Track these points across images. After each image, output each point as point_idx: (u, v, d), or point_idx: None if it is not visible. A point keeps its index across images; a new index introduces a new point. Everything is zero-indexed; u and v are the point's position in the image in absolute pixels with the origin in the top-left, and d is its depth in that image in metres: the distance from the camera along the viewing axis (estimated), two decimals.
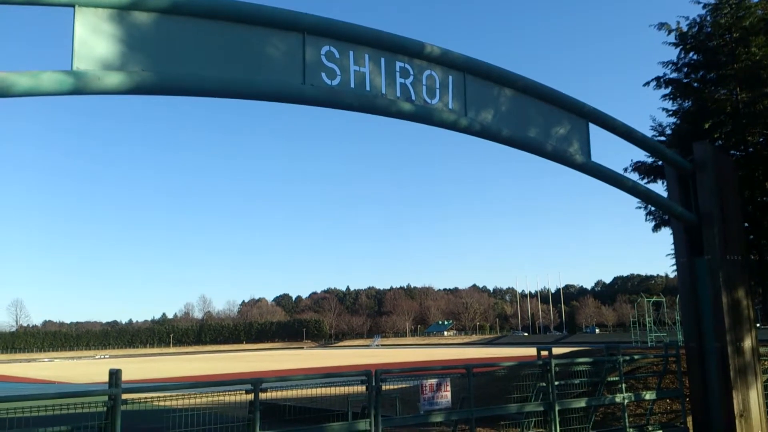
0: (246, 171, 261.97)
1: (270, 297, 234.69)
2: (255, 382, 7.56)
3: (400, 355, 75.46)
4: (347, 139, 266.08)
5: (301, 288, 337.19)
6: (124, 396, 6.65)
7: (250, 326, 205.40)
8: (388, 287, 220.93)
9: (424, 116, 9.86)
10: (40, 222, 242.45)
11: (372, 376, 8.46)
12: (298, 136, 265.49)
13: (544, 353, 11.01)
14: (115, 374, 6.61)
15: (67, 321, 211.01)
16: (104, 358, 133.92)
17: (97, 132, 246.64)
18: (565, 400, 10.74)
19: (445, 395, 9.17)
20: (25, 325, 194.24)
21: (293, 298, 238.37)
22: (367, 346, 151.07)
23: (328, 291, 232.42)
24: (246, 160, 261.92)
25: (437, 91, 10.05)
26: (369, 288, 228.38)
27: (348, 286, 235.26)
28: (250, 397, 7.60)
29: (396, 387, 10.94)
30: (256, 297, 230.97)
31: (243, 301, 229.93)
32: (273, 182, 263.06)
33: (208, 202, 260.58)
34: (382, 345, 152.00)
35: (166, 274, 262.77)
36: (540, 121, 11.78)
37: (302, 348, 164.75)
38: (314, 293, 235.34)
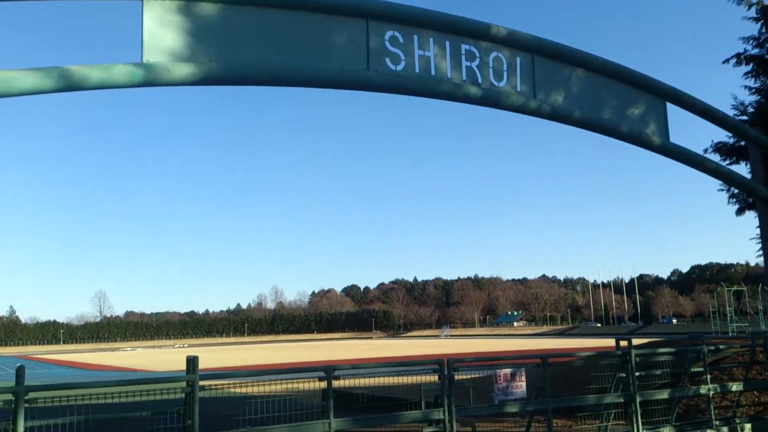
0: (310, 164, 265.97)
1: (339, 288, 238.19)
2: (328, 369, 7.57)
3: (470, 345, 74.95)
4: (411, 127, 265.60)
5: (369, 279, 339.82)
6: (202, 383, 6.79)
7: (320, 316, 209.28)
8: (456, 278, 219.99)
9: (491, 100, 9.61)
10: (122, 217, 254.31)
11: (444, 365, 8.34)
12: (358, 126, 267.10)
13: (623, 343, 10.57)
14: (192, 361, 6.76)
15: (148, 312, 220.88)
16: (183, 347, 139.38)
17: (174, 126, 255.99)
18: (647, 391, 10.29)
19: (520, 385, 8.94)
20: (108, 315, 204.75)
21: (361, 289, 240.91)
22: (436, 336, 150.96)
23: (395, 282, 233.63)
24: (310, 153, 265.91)
25: (504, 73, 9.77)
26: (436, 279, 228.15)
27: (415, 277, 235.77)
28: (323, 384, 7.63)
29: (468, 377, 10.78)
30: (326, 288, 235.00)
31: (313, 292, 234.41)
32: (339, 176, 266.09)
33: (277, 196, 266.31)
34: (450, 335, 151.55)
35: (239, 266, 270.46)
36: (614, 101, 11.30)
37: (371, 338, 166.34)
38: (382, 284, 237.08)
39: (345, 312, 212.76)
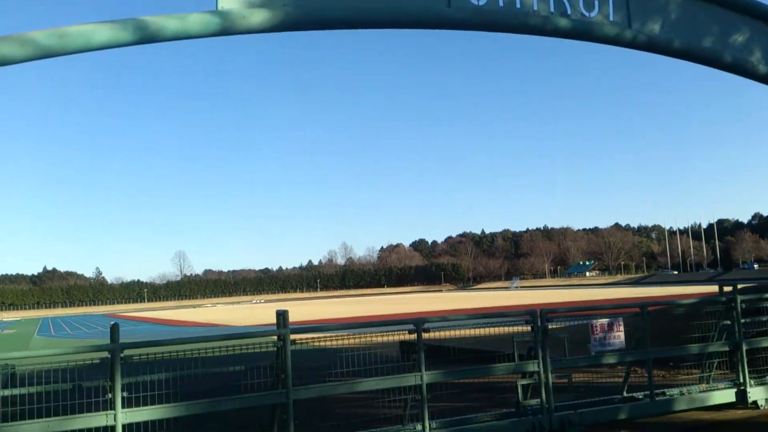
0: (377, 121, 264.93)
1: (407, 243, 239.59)
2: (418, 322, 7.35)
3: (543, 296, 74.03)
4: (481, 75, 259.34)
5: (437, 233, 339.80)
6: (293, 337, 6.68)
7: (389, 271, 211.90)
8: (524, 229, 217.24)
9: (582, 32, 8.88)
10: (198, 180, 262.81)
11: (537, 315, 7.97)
12: (440, 71, 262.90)
13: (727, 288, 9.86)
14: (282, 315, 6.65)
15: (225, 270, 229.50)
16: (260, 302, 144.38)
17: (244, 87, 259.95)
18: (754, 339, 9.60)
19: (618, 336, 8.47)
20: (188, 274, 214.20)
21: (429, 243, 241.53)
22: (506, 288, 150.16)
23: (463, 235, 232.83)
24: (377, 110, 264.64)
25: (596, 2, 8.98)
26: (504, 230, 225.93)
27: (483, 230, 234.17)
28: (401, 337, 7.41)
29: (558, 327, 10.37)
30: (394, 243, 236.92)
31: (381, 248, 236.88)
32: (405, 131, 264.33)
33: (344, 153, 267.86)
34: (521, 287, 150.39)
35: (310, 224, 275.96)
36: (715, 28, 10.29)
37: (441, 291, 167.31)
38: (450, 237, 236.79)
39: (414, 266, 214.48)
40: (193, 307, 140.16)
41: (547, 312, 8.17)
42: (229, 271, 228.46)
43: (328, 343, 7.73)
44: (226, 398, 6.21)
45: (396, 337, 10.16)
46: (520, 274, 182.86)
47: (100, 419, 5.51)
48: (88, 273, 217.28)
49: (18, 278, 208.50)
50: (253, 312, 78.04)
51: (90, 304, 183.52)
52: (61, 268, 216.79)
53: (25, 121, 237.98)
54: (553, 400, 7.83)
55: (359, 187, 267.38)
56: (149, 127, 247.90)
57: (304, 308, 77.07)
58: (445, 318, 8.40)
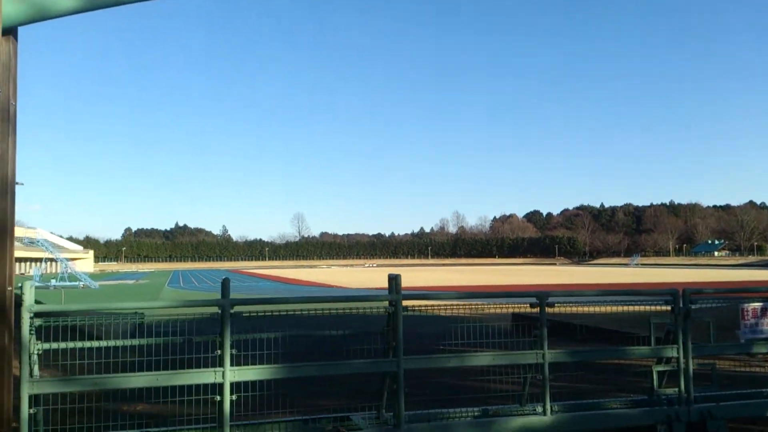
0: (493, 89, 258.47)
1: (520, 214, 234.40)
2: (541, 295, 6.68)
3: (670, 275, 69.67)
4: (592, 41, 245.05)
5: (552, 205, 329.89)
6: (405, 303, 6.27)
7: (501, 241, 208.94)
8: (648, 204, 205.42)
9: None
10: (316, 147, 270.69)
11: (679, 296, 7.04)
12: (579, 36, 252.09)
13: None
14: (395, 279, 6.24)
15: (340, 233, 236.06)
16: (372, 266, 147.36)
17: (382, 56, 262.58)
18: None
19: None
20: (305, 236, 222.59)
21: (543, 215, 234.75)
22: (625, 264, 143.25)
23: (580, 208, 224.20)
24: (494, 81, 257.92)
25: None
26: (626, 204, 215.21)
27: (602, 203, 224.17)
28: (514, 310, 6.78)
29: (699, 308, 9.27)
30: (507, 213, 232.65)
31: (494, 218, 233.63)
32: (522, 100, 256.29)
33: (459, 122, 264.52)
34: (641, 264, 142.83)
35: (423, 191, 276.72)
36: None
37: (554, 264, 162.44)
38: (566, 210, 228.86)
39: (527, 237, 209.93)
40: (310, 267, 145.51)
41: (691, 292, 7.22)
42: (343, 234, 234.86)
43: (440, 311, 7.29)
44: (336, 363, 5.93)
45: (507, 310, 9.55)
46: (641, 251, 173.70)
47: (208, 376, 5.39)
48: (216, 230, 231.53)
49: (153, 233, 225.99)
50: (366, 275, 79.65)
51: (216, 260, 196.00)
52: (192, 225, 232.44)
53: (162, 89, 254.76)
54: (693, 389, 6.94)
55: (472, 157, 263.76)
56: (277, 93, 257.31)
57: (415, 274, 77.54)
58: (571, 293, 7.65)
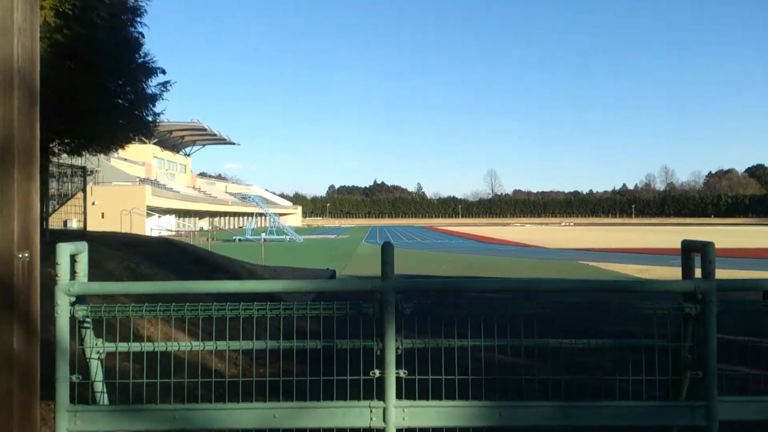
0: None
1: (741, 168, 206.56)
2: None
3: None
4: None
5: None
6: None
7: (718, 199, 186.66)
8: None
9: None
10: (510, 101, 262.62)
11: None
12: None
13: None
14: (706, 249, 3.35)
15: (534, 190, 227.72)
16: (568, 225, 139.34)
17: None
18: None
19: None
20: (498, 193, 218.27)
21: None
22: None
23: None
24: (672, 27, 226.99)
25: None
26: None
27: None
28: None
29: None
30: (725, 168, 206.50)
31: (709, 173, 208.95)
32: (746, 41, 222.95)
33: (661, 68, 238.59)
34: None
35: (625, 145, 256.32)
36: None
37: None
38: None
39: (749, 195, 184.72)
40: (503, 225, 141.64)
41: None
42: (537, 191, 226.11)
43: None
44: (591, 405, 3.29)
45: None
46: None
47: (358, 415, 3.07)
48: (411, 187, 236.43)
49: (353, 190, 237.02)
50: (563, 234, 74.41)
51: (411, 216, 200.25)
52: (389, 182, 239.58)
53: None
54: None
55: (679, 103, 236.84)
56: (473, 56, 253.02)
57: (618, 235, 70.61)
58: None
